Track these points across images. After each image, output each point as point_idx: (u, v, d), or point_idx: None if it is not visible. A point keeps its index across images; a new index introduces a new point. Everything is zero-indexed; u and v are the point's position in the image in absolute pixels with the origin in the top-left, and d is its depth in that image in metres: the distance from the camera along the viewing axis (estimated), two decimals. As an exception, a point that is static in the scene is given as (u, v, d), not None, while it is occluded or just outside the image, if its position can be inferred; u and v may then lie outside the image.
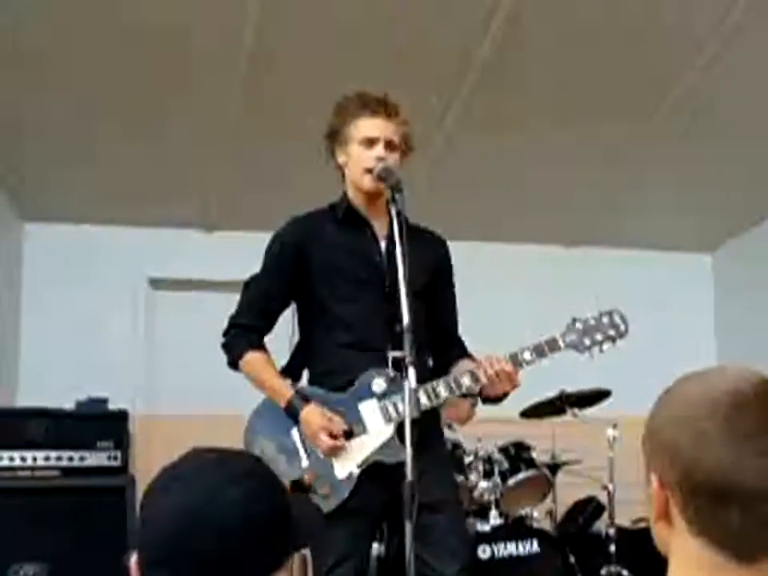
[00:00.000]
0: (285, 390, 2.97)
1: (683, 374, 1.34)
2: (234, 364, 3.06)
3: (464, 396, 3.07)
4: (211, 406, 5.94)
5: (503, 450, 4.67)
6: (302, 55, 4.63)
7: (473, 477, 4.52)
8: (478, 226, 6.57)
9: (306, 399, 2.92)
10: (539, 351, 2.94)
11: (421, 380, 2.71)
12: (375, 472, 2.89)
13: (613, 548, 4.61)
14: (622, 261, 6.97)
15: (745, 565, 1.22)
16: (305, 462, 2.93)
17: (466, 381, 2.91)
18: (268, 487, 1.38)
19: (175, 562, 1.28)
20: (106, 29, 4.28)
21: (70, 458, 3.86)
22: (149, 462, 5.61)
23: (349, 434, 2.89)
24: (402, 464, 2.60)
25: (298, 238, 3.07)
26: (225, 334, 3.10)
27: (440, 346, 3.16)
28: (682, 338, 6.85)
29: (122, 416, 4.03)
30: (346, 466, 2.89)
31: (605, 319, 2.99)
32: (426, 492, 2.74)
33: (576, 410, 4.84)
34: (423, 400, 2.83)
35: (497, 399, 3.02)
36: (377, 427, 2.91)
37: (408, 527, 2.45)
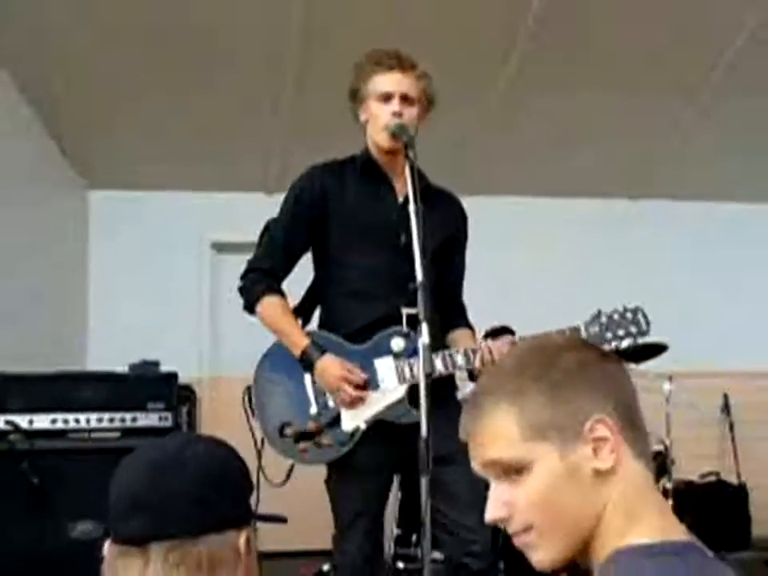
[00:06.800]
0: (300, 339, 2.94)
1: None
2: (250, 308, 3.03)
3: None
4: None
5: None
6: (357, 17, 4.63)
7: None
8: (542, 183, 6.51)
9: (321, 349, 2.91)
10: None
11: (433, 340, 2.68)
12: (383, 430, 2.89)
13: (670, 502, 4.54)
14: (684, 214, 6.86)
15: None
16: (313, 409, 2.93)
17: (459, 359, 2.90)
18: (231, 453, 1.44)
19: (152, 506, 1.32)
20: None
21: (122, 419, 3.92)
22: (215, 422, 5.73)
23: (362, 388, 2.89)
24: (411, 425, 2.64)
25: (317, 185, 3.03)
26: (242, 278, 3.06)
27: (443, 310, 3.10)
28: (746, 293, 6.72)
29: (171, 377, 4.08)
30: (354, 420, 2.90)
31: (628, 315, 2.98)
32: (438, 446, 2.75)
33: (632, 365, 4.76)
34: (439, 367, 2.86)
35: None
36: (389, 385, 2.91)
37: (424, 482, 2.46)
